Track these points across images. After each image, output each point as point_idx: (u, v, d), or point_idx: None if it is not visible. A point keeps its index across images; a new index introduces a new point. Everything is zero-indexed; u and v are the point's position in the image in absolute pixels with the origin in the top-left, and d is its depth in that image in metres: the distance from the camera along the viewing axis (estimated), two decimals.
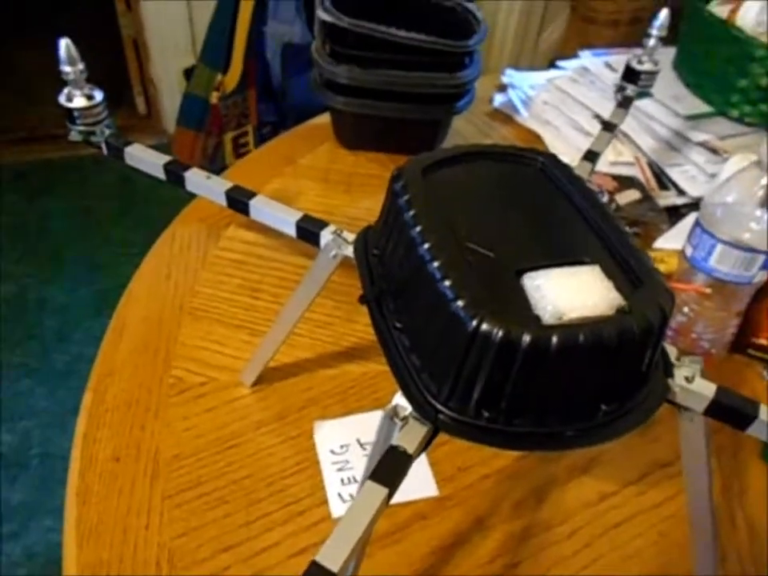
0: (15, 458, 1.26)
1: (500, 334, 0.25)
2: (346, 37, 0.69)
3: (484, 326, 0.25)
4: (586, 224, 0.31)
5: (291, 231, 0.39)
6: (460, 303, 0.26)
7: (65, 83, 0.43)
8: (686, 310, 0.53)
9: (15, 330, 1.50)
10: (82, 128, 0.43)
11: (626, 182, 0.71)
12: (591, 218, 0.31)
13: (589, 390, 0.27)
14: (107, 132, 0.43)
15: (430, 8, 0.76)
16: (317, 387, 0.51)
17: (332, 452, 0.47)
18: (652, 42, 0.52)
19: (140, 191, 1.85)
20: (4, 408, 1.34)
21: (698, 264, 0.49)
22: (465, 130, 0.86)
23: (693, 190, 0.70)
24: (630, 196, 0.69)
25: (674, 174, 0.72)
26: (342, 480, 0.46)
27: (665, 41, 0.95)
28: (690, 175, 0.71)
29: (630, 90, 0.54)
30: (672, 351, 0.32)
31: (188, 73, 1.78)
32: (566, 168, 0.35)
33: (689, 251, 0.50)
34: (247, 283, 0.60)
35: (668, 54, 0.87)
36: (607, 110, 0.81)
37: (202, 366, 0.53)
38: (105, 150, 0.44)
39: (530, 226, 0.31)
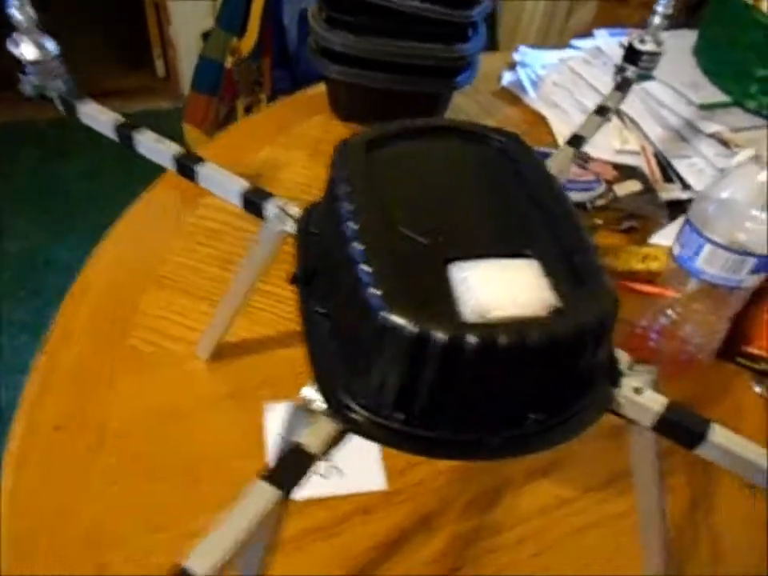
0: (9, 413, 1.27)
1: (412, 329, 0.22)
2: (342, 2, 0.65)
3: (395, 319, 0.23)
4: (538, 213, 0.28)
5: (237, 202, 0.36)
6: (374, 291, 0.24)
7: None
8: (669, 312, 0.49)
9: (20, 287, 1.51)
10: (34, 81, 0.40)
11: (627, 172, 0.68)
12: (546, 207, 0.28)
13: (514, 397, 0.24)
14: (63, 87, 0.41)
15: None
16: (273, 367, 0.49)
17: (281, 437, 0.45)
18: (657, 20, 0.48)
19: None
20: (2, 362, 1.35)
21: (685, 264, 0.46)
22: (467, 106, 0.82)
23: (698, 185, 0.66)
24: (629, 187, 0.66)
25: (681, 166, 0.68)
26: None
27: (689, 24, 0.89)
28: (698, 168, 0.67)
29: (631, 71, 0.50)
30: (624, 358, 0.29)
31: (206, 36, 1.75)
32: (529, 151, 0.32)
33: (676, 249, 0.47)
34: (218, 254, 0.58)
35: (689, 38, 0.82)
36: None
37: (159, 336, 0.51)
38: (60, 107, 0.41)
39: (475, 211, 0.28)
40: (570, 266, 0.26)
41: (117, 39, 2.26)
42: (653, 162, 0.70)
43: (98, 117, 0.40)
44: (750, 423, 0.51)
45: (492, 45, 1.94)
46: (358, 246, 0.25)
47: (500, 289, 0.24)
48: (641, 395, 0.28)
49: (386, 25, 0.66)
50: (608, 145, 0.73)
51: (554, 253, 0.26)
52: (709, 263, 0.44)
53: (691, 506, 0.45)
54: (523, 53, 0.91)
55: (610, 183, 0.65)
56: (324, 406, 0.25)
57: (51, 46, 0.40)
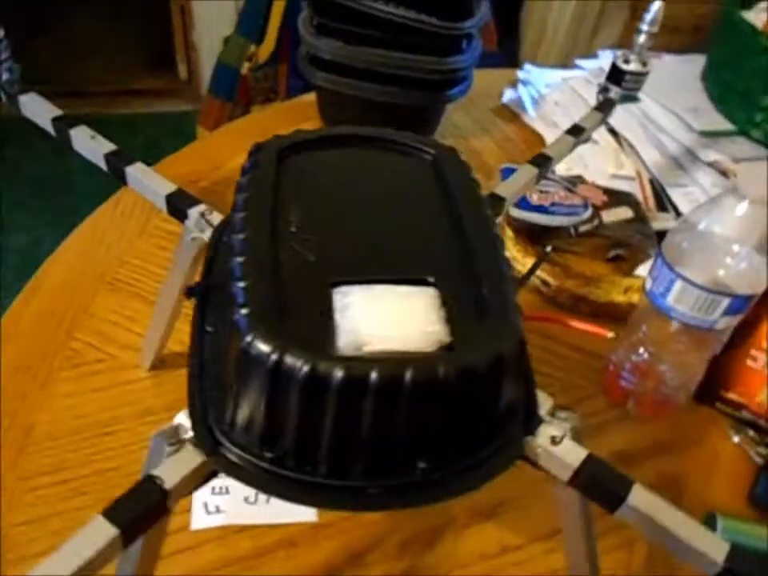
0: None
1: (273, 357, 0.20)
2: (332, 9, 0.64)
3: (257, 344, 0.20)
4: (455, 236, 0.26)
5: (162, 205, 0.34)
6: (243, 311, 0.21)
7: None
8: (641, 350, 0.46)
9: (19, 281, 1.51)
10: None
11: (619, 198, 0.64)
12: (466, 230, 0.26)
13: (395, 442, 0.22)
14: (5, 77, 0.40)
15: None
16: None
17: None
18: (642, 38, 0.45)
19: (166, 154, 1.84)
20: None
21: (656, 300, 0.43)
22: (462, 122, 0.80)
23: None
24: (619, 214, 0.62)
25: (676, 195, 0.64)
26: (213, 488, 0.41)
27: (699, 48, 0.86)
28: (693, 198, 0.63)
29: (614, 92, 0.47)
30: (546, 403, 0.26)
31: (227, 41, 1.76)
32: (462, 167, 0.29)
33: (648, 284, 0.44)
34: None
35: (699, 62, 0.79)
36: (618, 116, 0.74)
37: (104, 341, 0.49)
38: (3, 98, 0.40)
39: (380, 229, 0.26)
40: (477, 298, 0.23)
41: (144, 41, 2.29)
42: (648, 188, 0.67)
43: (38, 110, 0.38)
44: (724, 474, 0.47)
45: (514, 62, 1.92)
46: (238, 260, 0.23)
47: (384, 319, 0.21)
48: (558, 446, 0.25)
49: (376, 34, 0.64)
50: (602, 168, 0.70)
51: (462, 282, 0.23)
52: (680, 301, 0.41)
53: (649, 565, 0.41)
54: (527, 71, 0.88)
55: (598, 209, 0.62)
56: (190, 435, 0.23)
57: None
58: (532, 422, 0.25)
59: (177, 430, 0.24)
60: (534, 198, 0.60)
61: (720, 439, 0.49)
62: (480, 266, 0.24)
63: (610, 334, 0.29)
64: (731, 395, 0.49)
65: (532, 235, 0.60)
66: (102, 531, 0.21)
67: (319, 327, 0.21)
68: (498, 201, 0.37)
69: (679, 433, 0.49)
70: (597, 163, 0.71)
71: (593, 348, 0.53)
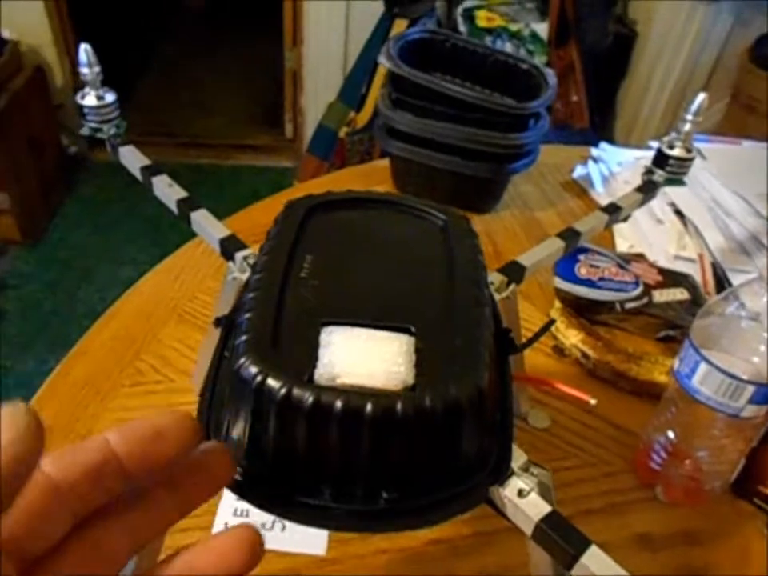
0: None
1: (258, 379, 0.23)
2: (406, 85, 0.69)
3: (248, 368, 0.24)
4: (446, 295, 0.28)
5: (217, 247, 0.39)
6: (243, 338, 0.25)
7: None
8: (669, 432, 0.45)
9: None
10: (92, 124, 0.47)
11: (676, 279, 0.64)
12: (458, 290, 0.28)
13: (359, 469, 0.24)
14: (113, 131, 0.47)
15: (509, 68, 0.74)
16: None
17: None
18: (686, 126, 0.46)
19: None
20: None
21: (682, 380, 0.43)
22: (529, 193, 0.82)
23: (753, 303, 0.61)
24: (673, 295, 0.62)
25: (737, 280, 0.63)
26: (236, 510, 0.44)
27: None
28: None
29: (658, 175, 0.48)
30: (520, 457, 0.28)
31: (330, 107, 1.90)
32: (469, 235, 0.32)
33: (676, 364, 0.43)
34: None
35: None
36: (685, 198, 0.74)
37: (165, 365, 0.54)
38: (108, 148, 0.48)
39: (381, 281, 0.29)
40: (449, 349, 0.25)
41: (258, 102, 2.51)
42: (708, 272, 0.66)
43: (131, 159, 0.45)
44: (753, 573, 0.44)
45: (608, 139, 1.93)
46: (250, 295, 0.27)
47: (358, 357, 0.24)
48: (523, 498, 0.26)
49: (446, 110, 0.69)
50: (665, 248, 0.70)
51: (439, 333, 0.26)
52: (704, 384, 0.41)
53: None
54: (602, 148, 0.90)
55: (650, 287, 0.62)
56: None
57: (110, 96, 0.47)
58: (502, 472, 0.27)
59: None
60: (583, 272, 0.61)
61: (754, 537, 0.47)
62: (459, 322, 0.26)
63: (593, 401, 0.30)
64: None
65: (579, 308, 0.61)
66: None
67: (304, 358, 0.24)
68: (518, 268, 0.39)
69: (709, 524, 0.47)
70: (660, 243, 0.71)
71: (631, 425, 0.53)
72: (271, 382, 0.23)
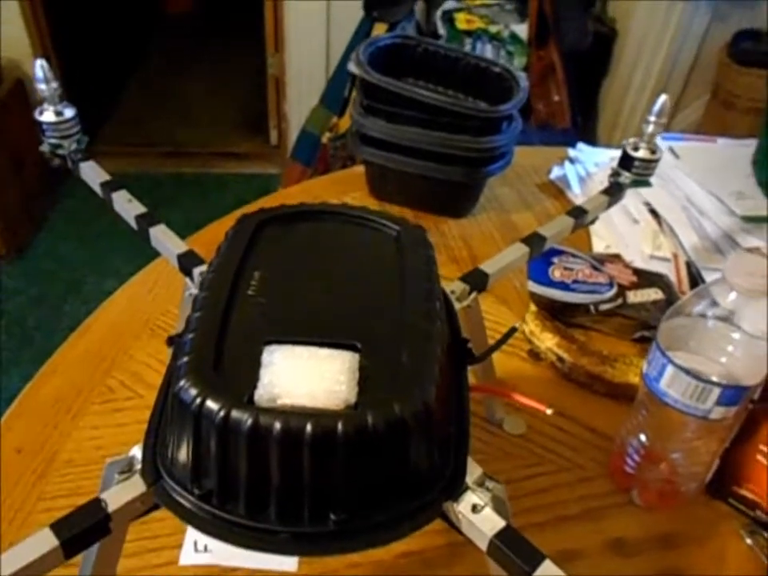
0: None
1: (197, 402, 0.23)
2: (376, 91, 0.69)
3: (188, 390, 0.23)
4: (395, 308, 0.28)
5: (175, 263, 0.39)
6: (184, 359, 0.24)
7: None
8: (641, 435, 0.45)
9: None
10: (51, 140, 0.46)
11: (650, 279, 0.64)
12: (407, 303, 0.28)
13: (303, 491, 0.24)
14: (73, 147, 0.47)
15: (481, 72, 0.74)
16: None
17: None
18: (650, 128, 0.46)
19: None
20: None
21: (650, 383, 0.42)
22: (505, 196, 0.82)
23: (726, 302, 0.61)
24: (648, 295, 0.62)
25: (712, 279, 0.63)
26: None
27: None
28: None
29: (624, 177, 0.48)
30: (475, 471, 0.27)
31: (312, 112, 1.90)
32: (423, 245, 0.32)
33: (644, 367, 0.43)
34: None
35: (752, 147, 0.78)
36: (659, 198, 0.74)
37: (136, 380, 0.54)
38: (69, 163, 0.47)
39: (330, 297, 0.28)
40: (396, 365, 0.25)
41: (242, 109, 2.50)
42: (683, 271, 0.66)
43: (91, 175, 0.45)
44: (730, 574, 0.44)
45: (591, 139, 1.93)
46: (195, 314, 0.26)
47: (299, 377, 0.24)
48: (477, 513, 0.26)
49: (417, 115, 0.68)
50: (639, 249, 0.70)
51: (386, 349, 0.26)
52: (671, 387, 0.40)
53: None
54: (580, 149, 0.90)
55: (624, 288, 0.62)
56: (139, 466, 0.26)
57: (69, 112, 0.46)
58: (456, 487, 0.26)
59: (132, 460, 0.27)
60: (557, 275, 0.61)
61: (731, 539, 0.46)
62: (407, 337, 0.26)
63: (549, 411, 0.29)
64: (744, 491, 0.46)
65: (553, 311, 0.61)
66: (45, 541, 0.24)
67: (245, 379, 0.24)
68: (481, 276, 0.39)
69: (686, 527, 0.47)
70: (636, 243, 0.71)
71: (607, 428, 0.52)
72: (210, 404, 0.23)
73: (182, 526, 0.44)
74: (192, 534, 0.43)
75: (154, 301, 0.62)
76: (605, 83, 1.98)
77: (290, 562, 0.43)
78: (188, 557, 0.42)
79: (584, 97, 1.84)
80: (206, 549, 0.43)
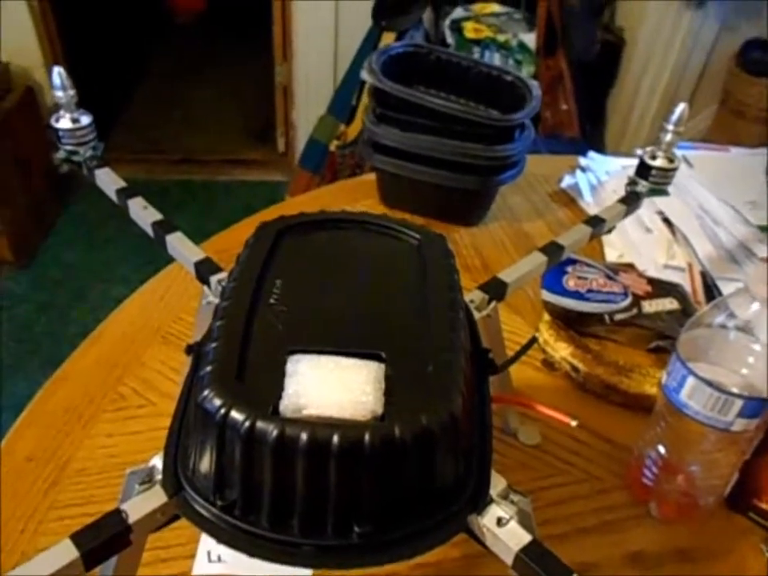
0: None
1: (221, 412, 0.23)
2: (389, 99, 0.69)
3: (212, 401, 0.23)
4: (418, 317, 0.28)
5: (192, 270, 0.38)
6: (207, 369, 0.24)
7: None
8: (659, 447, 0.45)
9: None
10: (68, 147, 0.46)
11: (665, 289, 0.63)
12: (431, 312, 0.28)
13: (328, 503, 0.23)
14: (89, 153, 0.47)
15: (493, 80, 0.74)
16: None
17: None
18: (668, 137, 0.46)
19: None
20: None
21: (670, 395, 0.42)
22: (517, 204, 0.82)
23: (742, 312, 0.60)
24: (663, 305, 0.61)
25: (727, 289, 0.63)
26: None
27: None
28: None
29: (641, 185, 0.48)
30: (499, 484, 0.27)
31: (320, 120, 1.90)
32: (445, 254, 0.31)
33: (664, 378, 0.43)
34: None
35: (764, 156, 0.77)
36: (674, 207, 0.73)
37: (148, 388, 0.54)
38: (85, 170, 0.47)
39: (353, 305, 0.28)
40: (421, 375, 0.25)
41: (250, 117, 2.51)
42: (698, 281, 0.65)
43: (106, 181, 0.45)
44: None
45: (599, 147, 1.93)
46: (217, 323, 0.26)
47: (325, 387, 0.23)
48: (503, 527, 0.25)
49: (431, 123, 0.68)
50: (654, 258, 0.69)
51: (411, 359, 0.25)
52: (692, 398, 0.40)
53: None
54: (591, 158, 0.90)
55: (639, 298, 0.61)
56: (160, 477, 0.26)
57: (85, 119, 0.46)
58: (480, 500, 0.26)
59: (152, 470, 0.26)
60: (571, 284, 0.60)
61: (751, 553, 0.46)
62: (431, 346, 0.26)
63: (574, 423, 0.29)
64: (764, 505, 0.46)
65: (568, 320, 0.60)
66: (66, 553, 0.24)
67: (269, 389, 0.24)
68: (500, 285, 0.38)
69: (705, 540, 0.46)
70: (649, 252, 0.71)
71: (623, 439, 0.52)
72: (235, 415, 0.22)
73: (195, 535, 0.44)
74: (205, 544, 0.43)
75: (165, 308, 0.62)
76: (613, 92, 1.98)
77: (304, 572, 0.42)
78: (201, 567, 0.42)
79: (592, 105, 1.84)
80: (219, 559, 0.42)
